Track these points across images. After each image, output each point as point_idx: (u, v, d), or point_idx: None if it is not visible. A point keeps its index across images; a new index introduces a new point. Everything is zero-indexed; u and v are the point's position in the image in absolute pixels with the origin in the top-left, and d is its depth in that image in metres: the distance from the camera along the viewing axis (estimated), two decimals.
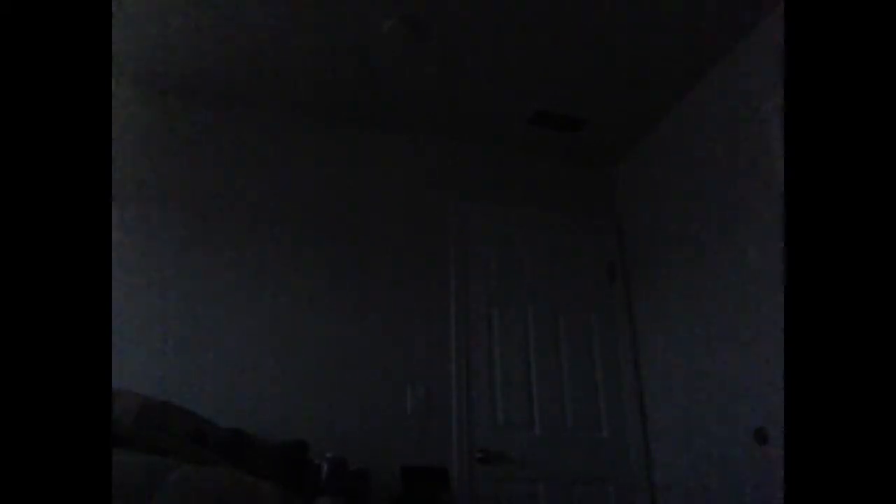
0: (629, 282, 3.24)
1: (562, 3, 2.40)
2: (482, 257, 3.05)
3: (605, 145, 3.37)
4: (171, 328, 2.50)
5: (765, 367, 2.30)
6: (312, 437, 2.38)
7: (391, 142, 3.22)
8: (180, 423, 1.80)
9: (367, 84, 2.89)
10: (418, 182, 3.18)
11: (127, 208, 2.63)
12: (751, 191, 2.48)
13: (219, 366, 2.50)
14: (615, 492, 2.80)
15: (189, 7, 2.42)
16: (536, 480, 2.70)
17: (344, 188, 3.03)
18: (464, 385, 2.81)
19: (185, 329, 2.52)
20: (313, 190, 2.97)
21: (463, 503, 2.61)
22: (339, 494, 2.01)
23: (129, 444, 1.33)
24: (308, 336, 2.68)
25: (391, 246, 2.98)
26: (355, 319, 2.78)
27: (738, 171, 2.56)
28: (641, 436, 2.94)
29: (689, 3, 2.40)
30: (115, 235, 2.56)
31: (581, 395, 2.94)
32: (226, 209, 2.79)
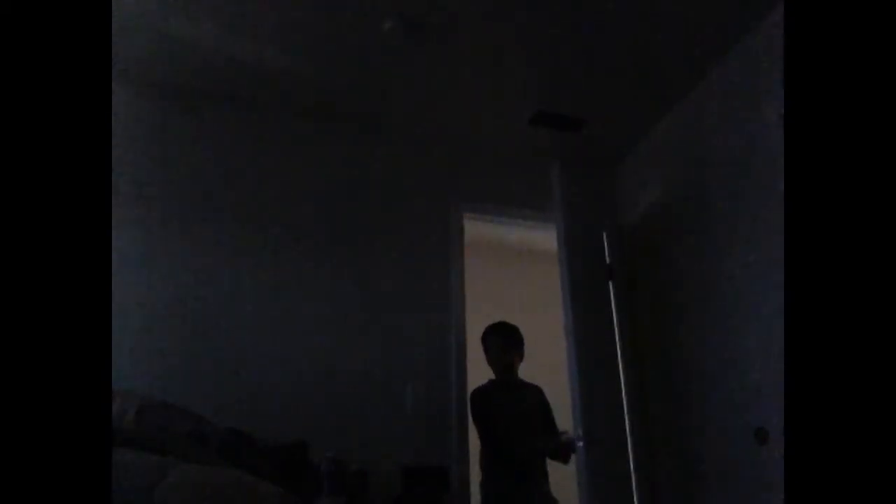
0: (629, 282, 3.24)
1: (562, 3, 2.40)
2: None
3: (605, 145, 3.37)
4: (171, 328, 2.50)
5: (765, 367, 2.30)
6: (312, 437, 2.37)
7: (391, 142, 3.21)
8: (180, 423, 1.80)
9: (367, 84, 2.89)
10: (418, 182, 3.17)
11: (127, 208, 2.62)
12: (751, 191, 2.48)
13: (219, 366, 2.50)
14: (616, 491, 2.80)
15: (189, 7, 2.42)
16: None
17: (344, 188, 3.02)
18: (464, 385, 2.81)
19: (185, 328, 2.52)
20: (313, 190, 2.97)
21: (463, 503, 2.61)
22: (338, 494, 2.01)
23: (129, 444, 1.33)
24: (308, 336, 2.68)
25: (391, 246, 2.98)
26: (355, 319, 2.78)
27: (738, 171, 2.56)
28: (641, 436, 2.94)
29: (689, 3, 2.40)
30: (115, 235, 2.55)
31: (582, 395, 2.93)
32: (225, 210, 2.79)
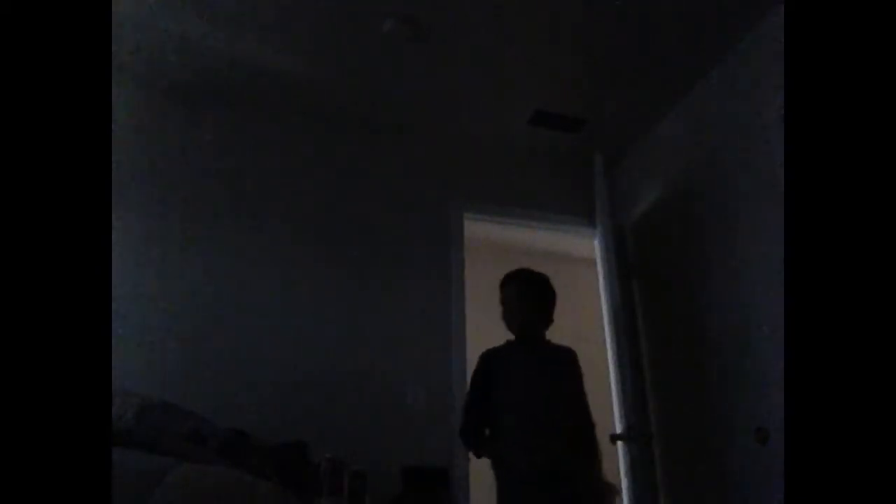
0: (629, 282, 3.24)
1: (561, 3, 2.40)
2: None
3: (605, 145, 3.36)
4: (171, 327, 2.50)
5: (765, 367, 2.29)
6: (312, 437, 2.37)
7: (391, 142, 3.21)
8: (180, 423, 1.80)
9: (367, 84, 2.89)
10: (418, 182, 3.17)
11: (127, 208, 2.62)
12: (751, 191, 2.48)
13: (219, 366, 2.50)
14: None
15: (188, 7, 2.42)
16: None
17: (344, 188, 3.02)
18: (464, 385, 2.81)
19: (185, 328, 2.52)
20: (313, 190, 2.97)
21: (463, 503, 2.60)
22: (338, 494, 2.01)
23: (129, 444, 1.33)
24: (308, 336, 2.68)
25: (391, 246, 2.98)
26: (355, 319, 2.78)
27: (738, 171, 2.56)
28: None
29: (689, 3, 2.40)
30: (115, 235, 2.55)
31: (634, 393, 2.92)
32: (225, 210, 2.79)
